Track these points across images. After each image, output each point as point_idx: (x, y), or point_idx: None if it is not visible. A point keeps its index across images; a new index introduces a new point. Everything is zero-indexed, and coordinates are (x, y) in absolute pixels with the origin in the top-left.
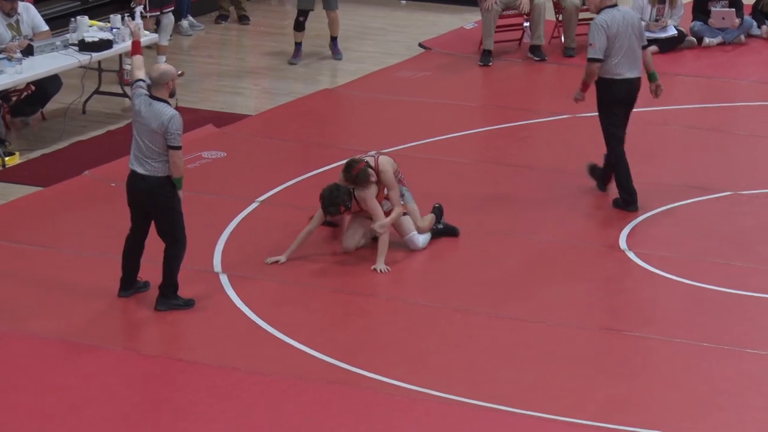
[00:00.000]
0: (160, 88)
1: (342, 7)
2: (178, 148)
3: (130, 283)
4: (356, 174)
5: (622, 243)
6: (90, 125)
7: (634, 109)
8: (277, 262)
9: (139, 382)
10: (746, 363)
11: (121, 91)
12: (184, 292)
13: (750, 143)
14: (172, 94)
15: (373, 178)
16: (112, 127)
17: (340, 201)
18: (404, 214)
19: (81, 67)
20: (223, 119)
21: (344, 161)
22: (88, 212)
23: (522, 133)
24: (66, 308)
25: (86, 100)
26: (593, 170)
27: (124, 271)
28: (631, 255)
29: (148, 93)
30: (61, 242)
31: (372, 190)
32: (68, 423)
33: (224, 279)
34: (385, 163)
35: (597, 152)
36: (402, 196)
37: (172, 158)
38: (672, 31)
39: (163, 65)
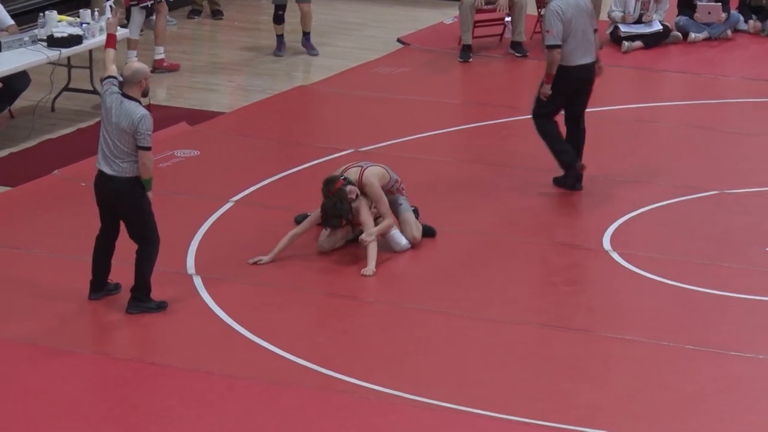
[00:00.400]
0: (132, 86)
1: (318, 0)
2: (148, 149)
3: (100, 286)
4: (334, 194)
5: (606, 243)
6: (59, 123)
7: (622, 106)
8: (258, 261)
9: (111, 386)
10: (732, 365)
11: (91, 88)
12: (156, 294)
13: (737, 141)
14: (144, 94)
15: (353, 195)
16: (82, 125)
17: (343, 213)
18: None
19: (50, 63)
20: (196, 117)
21: (327, 176)
22: (58, 212)
23: (503, 131)
24: (35, 311)
25: (55, 98)
26: (558, 180)
27: (94, 273)
28: (615, 256)
29: (120, 91)
30: (31, 243)
31: (365, 202)
32: (39, 428)
33: (198, 281)
34: (371, 176)
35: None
36: (399, 205)
37: (141, 159)
38: (657, 26)
39: (136, 63)
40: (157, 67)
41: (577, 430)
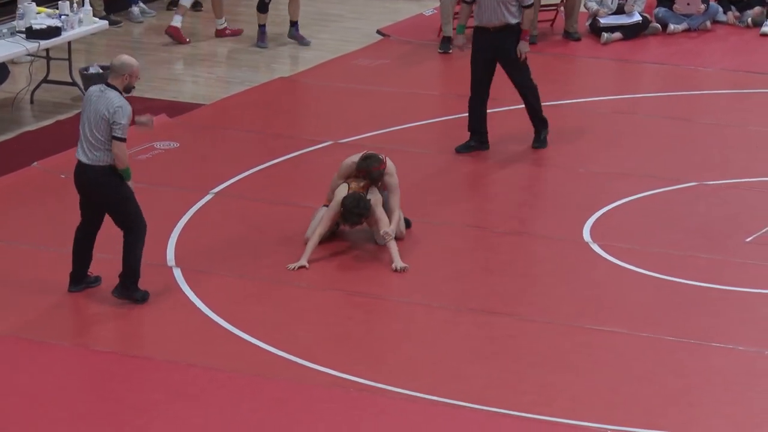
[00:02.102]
0: (116, 77)
1: None
2: (122, 140)
3: (80, 278)
4: (373, 173)
5: (586, 235)
6: (39, 115)
7: (601, 98)
8: (303, 267)
9: (93, 379)
10: (715, 357)
11: (70, 80)
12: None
13: (716, 132)
14: (127, 90)
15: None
16: (61, 117)
17: (363, 212)
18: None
19: (29, 55)
20: (175, 108)
21: (362, 153)
22: (37, 205)
23: None
24: (15, 304)
25: (34, 90)
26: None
27: (74, 265)
28: (595, 247)
29: (105, 82)
30: (10, 235)
31: (379, 196)
32: (22, 422)
33: (178, 273)
34: (391, 166)
35: (559, 141)
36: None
37: (114, 149)
38: (636, 18)
39: (127, 57)
40: (220, 36)
41: (560, 422)
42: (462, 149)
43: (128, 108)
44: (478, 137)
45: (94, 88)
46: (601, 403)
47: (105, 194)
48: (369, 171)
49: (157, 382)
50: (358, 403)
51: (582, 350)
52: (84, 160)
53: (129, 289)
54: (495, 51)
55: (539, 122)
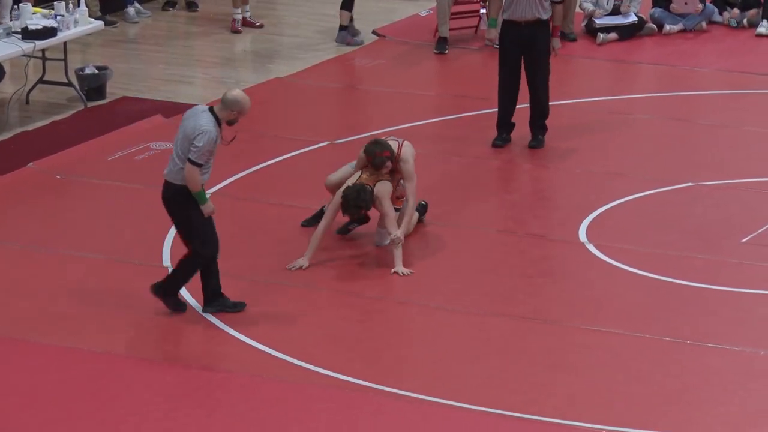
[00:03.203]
0: (224, 110)
1: None
2: (196, 164)
3: (214, 297)
4: (376, 158)
5: (582, 235)
6: (34, 116)
7: (597, 98)
8: (302, 267)
9: (87, 380)
10: (709, 357)
11: (66, 81)
12: (131, 286)
13: (711, 133)
14: (230, 123)
15: (386, 170)
16: (57, 118)
17: (363, 204)
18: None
19: (24, 55)
20: (171, 109)
21: (376, 138)
22: (33, 205)
23: (480, 123)
24: (8, 304)
25: (30, 90)
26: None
27: (203, 285)
28: (590, 247)
29: (210, 107)
30: (5, 235)
31: (388, 188)
32: (16, 423)
33: None
34: (408, 152)
35: (555, 142)
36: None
37: (185, 170)
38: (632, 18)
39: (240, 93)
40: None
41: (554, 422)
42: (500, 142)
43: (213, 135)
44: (509, 128)
45: (199, 107)
46: (597, 403)
47: (172, 209)
48: (372, 156)
49: (151, 383)
50: (354, 402)
51: (578, 350)
52: (165, 173)
53: (167, 293)
54: (524, 46)
55: (541, 126)
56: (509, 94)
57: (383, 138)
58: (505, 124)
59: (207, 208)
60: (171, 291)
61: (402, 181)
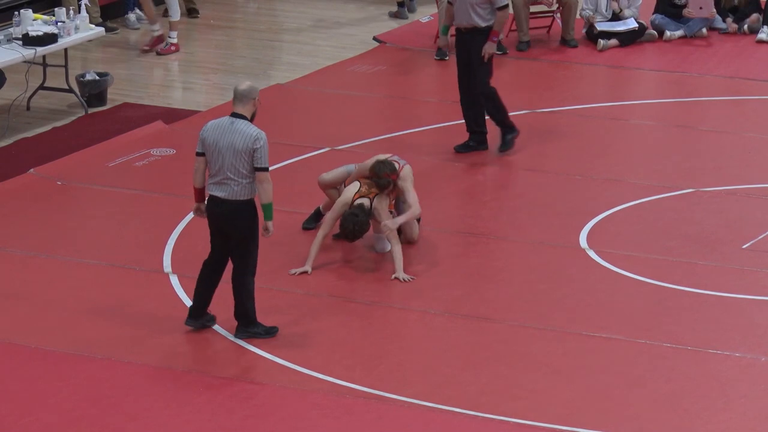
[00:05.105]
0: (246, 103)
1: None
2: (266, 169)
3: (200, 314)
4: (382, 180)
5: (583, 242)
6: (35, 122)
7: (598, 104)
8: (304, 272)
9: (87, 385)
10: (709, 363)
11: (67, 87)
12: (132, 292)
13: (712, 139)
14: (252, 117)
15: (388, 190)
16: (58, 124)
17: (360, 234)
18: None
19: (25, 62)
20: (172, 115)
21: (379, 157)
22: (34, 211)
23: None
24: (8, 309)
25: (31, 96)
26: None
27: (195, 299)
28: (591, 254)
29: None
30: (5, 242)
31: (386, 203)
32: (14, 428)
33: (174, 280)
34: (408, 173)
35: (556, 148)
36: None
37: (259, 180)
38: (632, 24)
39: (250, 81)
40: (152, 47)
41: (554, 428)
42: (460, 149)
43: (264, 134)
44: (476, 137)
45: (222, 120)
46: (597, 409)
47: (237, 228)
48: (378, 177)
49: (151, 388)
50: (353, 409)
51: (577, 356)
52: (224, 197)
53: (249, 327)
54: (467, 52)
55: (504, 126)
56: (465, 101)
57: (389, 157)
58: (471, 131)
59: (271, 226)
60: (250, 321)
61: (400, 202)
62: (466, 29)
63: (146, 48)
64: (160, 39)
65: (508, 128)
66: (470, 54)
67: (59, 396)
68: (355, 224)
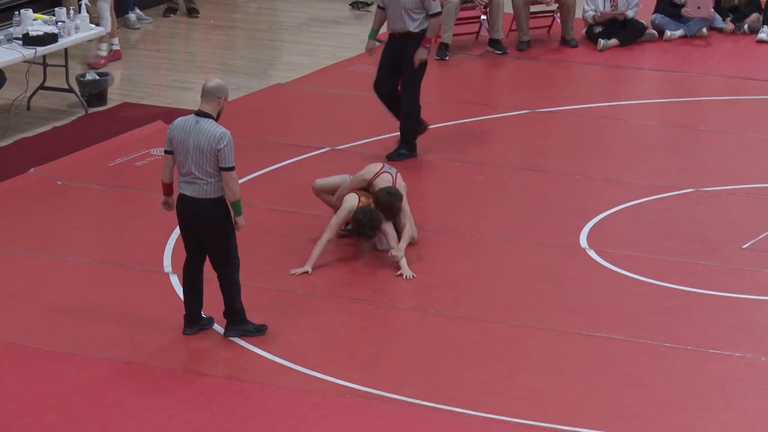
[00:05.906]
0: (211, 101)
1: None
2: (233, 168)
3: (195, 319)
4: (393, 209)
5: (583, 241)
6: (35, 122)
7: (598, 104)
8: (305, 272)
9: (87, 385)
10: (709, 363)
11: (67, 87)
12: (132, 291)
13: (712, 139)
14: (218, 115)
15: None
16: (58, 124)
17: (377, 224)
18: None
19: (25, 61)
20: (172, 115)
21: (389, 188)
22: (34, 211)
23: (480, 129)
24: (9, 309)
25: (31, 96)
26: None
27: (187, 305)
28: (591, 254)
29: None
30: (5, 242)
31: (391, 224)
32: (15, 428)
33: (174, 280)
34: (403, 187)
35: (556, 148)
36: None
37: (225, 180)
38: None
39: (218, 79)
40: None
41: (554, 428)
42: (393, 157)
43: (229, 133)
44: (403, 144)
45: (187, 119)
46: (597, 409)
47: (208, 227)
48: (390, 206)
49: (151, 388)
50: (353, 408)
51: (577, 356)
52: (191, 195)
53: (239, 325)
54: (398, 57)
55: (406, 142)
56: (383, 101)
57: (381, 168)
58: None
59: (242, 220)
60: (239, 319)
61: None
62: (400, 34)
63: (102, 62)
64: (117, 54)
65: (409, 146)
66: (403, 58)
67: (59, 396)
68: (370, 215)
